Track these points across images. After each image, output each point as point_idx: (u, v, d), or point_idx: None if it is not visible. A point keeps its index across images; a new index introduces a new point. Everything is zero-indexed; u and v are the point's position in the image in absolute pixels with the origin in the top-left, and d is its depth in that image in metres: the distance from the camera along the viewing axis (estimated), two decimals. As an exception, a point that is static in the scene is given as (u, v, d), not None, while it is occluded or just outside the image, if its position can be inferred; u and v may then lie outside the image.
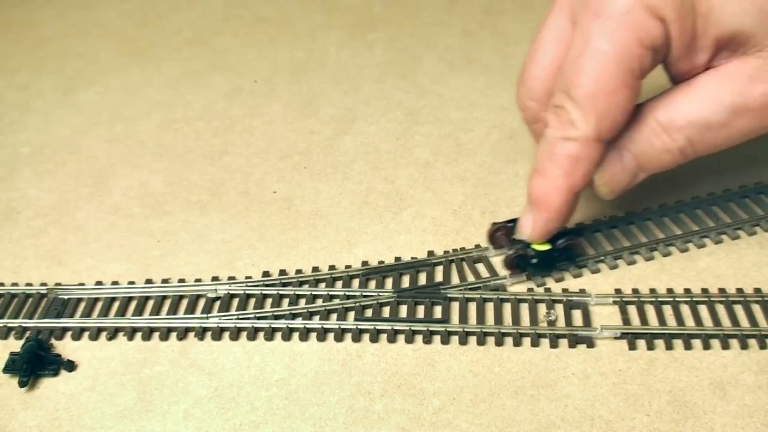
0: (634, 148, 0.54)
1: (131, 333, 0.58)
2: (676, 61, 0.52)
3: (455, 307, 0.60)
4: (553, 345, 0.56)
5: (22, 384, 0.54)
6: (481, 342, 0.57)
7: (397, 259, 0.64)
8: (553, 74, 0.55)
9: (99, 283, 0.63)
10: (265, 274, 0.63)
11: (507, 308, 0.60)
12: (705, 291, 0.60)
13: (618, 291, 0.60)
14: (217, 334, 0.58)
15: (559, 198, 0.55)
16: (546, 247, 0.58)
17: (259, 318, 0.59)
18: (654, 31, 0.49)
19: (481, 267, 0.63)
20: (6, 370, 0.55)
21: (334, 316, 0.59)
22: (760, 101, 0.50)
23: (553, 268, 0.60)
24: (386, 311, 0.60)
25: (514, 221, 0.60)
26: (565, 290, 0.61)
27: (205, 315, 0.59)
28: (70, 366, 0.56)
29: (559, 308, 0.59)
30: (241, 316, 0.59)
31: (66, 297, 0.61)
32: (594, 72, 0.50)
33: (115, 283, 0.63)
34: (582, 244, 0.60)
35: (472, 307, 0.60)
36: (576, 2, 0.53)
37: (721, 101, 0.51)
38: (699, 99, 0.52)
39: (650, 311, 0.59)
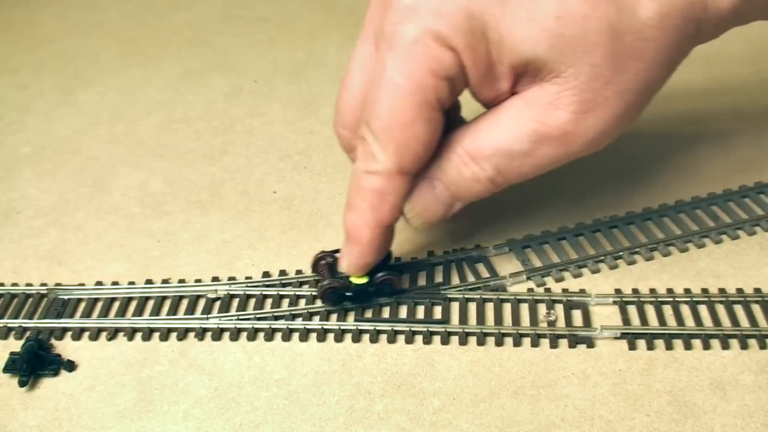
0: (444, 177, 0.53)
1: (131, 333, 0.58)
2: (477, 89, 0.50)
3: (455, 307, 0.60)
4: (553, 345, 0.56)
5: (22, 384, 0.54)
6: (481, 342, 0.57)
7: (397, 259, 0.64)
8: (362, 102, 0.53)
9: (99, 283, 0.63)
10: (265, 274, 0.63)
11: (507, 308, 0.60)
12: (705, 291, 0.60)
13: (618, 291, 0.60)
14: (217, 334, 0.58)
15: (369, 232, 0.53)
16: (363, 280, 0.57)
17: (259, 318, 0.59)
18: (446, 61, 0.47)
19: (481, 267, 0.63)
20: (6, 370, 0.55)
21: (334, 316, 0.59)
22: (560, 129, 0.49)
23: (370, 302, 0.59)
24: (386, 311, 0.60)
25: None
26: (565, 290, 0.61)
27: (205, 315, 0.59)
28: (70, 366, 0.56)
29: (559, 308, 0.59)
30: (241, 317, 0.59)
31: (66, 297, 0.61)
32: (389, 104, 0.49)
33: (115, 283, 0.63)
34: (399, 281, 0.58)
35: (472, 308, 0.60)
36: (376, 29, 0.52)
37: (523, 130, 0.49)
38: (502, 127, 0.50)
39: (650, 311, 0.59)
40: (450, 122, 0.52)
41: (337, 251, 0.58)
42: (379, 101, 0.49)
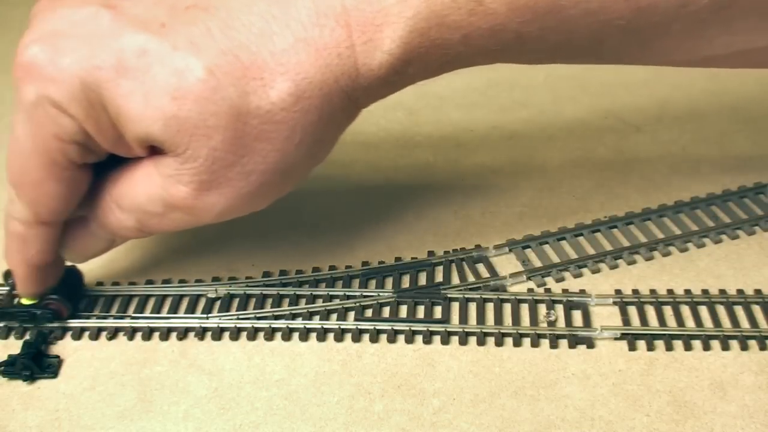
0: (97, 219, 0.52)
1: (131, 333, 0.58)
2: (114, 152, 0.48)
3: (455, 307, 0.60)
4: (553, 345, 0.57)
5: (24, 379, 0.55)
6: (481, 342, 0.57)
7: (398, 259, 0.64)
8: None
9: (99, 283, 0.63)
10: (266, 274, 0.63)
11: (507, 308, 0.60)
12: (705, 292, 0.60)
13: (618, 291, 0.61)
14: (218, 334, 0.58)
15: (21, 269, 0.53)
16: (31, 301, 0.57)
17: (259, 318, 0.59)
18: (67, 128, 0.45)
19: (481, 267, 0.63)
20: (5, 371, 0.55)
21: (334, 316, 0.59)
22: (182, 201, 0.47)
23: (32, 323, 0.58)
24: (386, 311, 0.60)
25: None
26: (565, 290, 0.61)
27: (205, 315, 0.59)
28: (56, 368, 0.56)
29: (559, 308, 0.59)
30: (241, 316, 0.59)
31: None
32: (17, 163, 0.47)
33: (115, 283, 0.63)
34: (67, 308, 0.58)
35: (472, 308, 0.60)
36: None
37: (153, 193, 0.48)
38: (138, 187, 0.49)
39: (650, 312, 0.59)
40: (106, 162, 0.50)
41: None
42: (9, 157, 0.48)
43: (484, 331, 0.57)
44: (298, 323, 0.58)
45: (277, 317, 0.59)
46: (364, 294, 0.61)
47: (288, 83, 0.45)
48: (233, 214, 0.50)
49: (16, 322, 0.58)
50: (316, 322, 0.58)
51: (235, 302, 0.61)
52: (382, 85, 0.49)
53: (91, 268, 0.65)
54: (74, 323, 0.59)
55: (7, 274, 0.58)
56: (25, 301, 0.57)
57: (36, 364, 0.55)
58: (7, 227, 0.52)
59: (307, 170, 0.52)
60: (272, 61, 0.45)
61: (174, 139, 0.45)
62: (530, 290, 0.61)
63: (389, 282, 0.63)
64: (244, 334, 0.58)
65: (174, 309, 0.60)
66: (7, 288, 0.59)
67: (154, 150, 0.47)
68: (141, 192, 0.49)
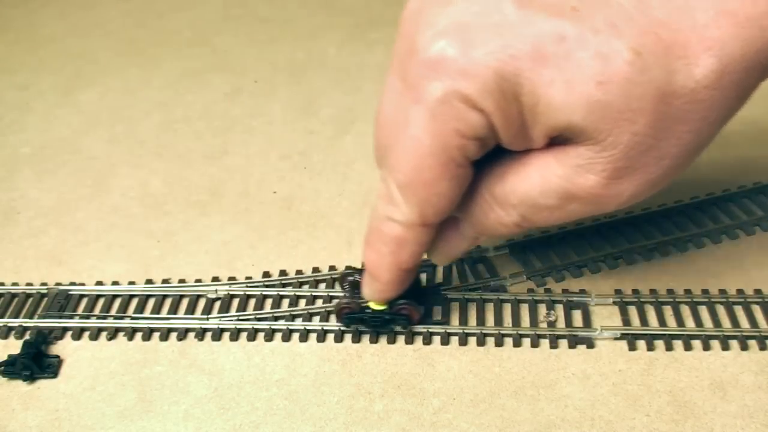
0: (469, 218, 0.51)
1: (131, 333, 0.58)
2: (507, 145, 0.46)
3: (455, 307, 0.60)
4: (553, 345, 0.57)
5: (24, 378, 0.55)
6: (480, 342, 0.57)
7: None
8: None
9: (99, 283, 0.63)
10: (266, 274, 0.63)
11: (507, 309, 0.60)
12: (705, 292, 0.60)
13: (618, 291, 0.60)
14: (217, 334, 0.58)
15: (389, 274, 0.52)
16: (381, 307, 0.56)
17: (259, 319, 0.59)
18: (474, 123, 0.44)
19: (481, 268, 0.63)
20: (5, 371, 0.55)
21: (334, 316, 0.59)
22: (588, 191, 0.46)
23: (384, 328, 0.57)
24: (386, 311, 0.60)
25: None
26: (565, 290, 0.61)
27: (205, 315, 0.59)
28: (56, 368, 0.56)
29: (559, 309, 0.59)
30: (241, 317, 0.59)
31: (69, 293, 0.61)
32: (411, 162, 0.45)
33: (115, 283, 0.63)
34: (418, 312, 0.57)
35: (472, 308, 0.60)
36: (400, 64, 0.47)
37: (551, 186, 0.46)
38: (530, 180, 0.47)
39: (650, 312, 0.59)
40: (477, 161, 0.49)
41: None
42: (400, 156, 0.46)
43: (483, 331, 0.57)
44: (298, 324, 0.58)
45: (276, 318, 0.59)
46: (364, 294, 0.61)
47: (712, 59, 0.42)
48: (632, 201, 0.48)
49: (365, 326, 0.57)
50: (315, 323, 0.58)
51: (235, 303, 0.61)
52: None
53: (91, 268, 0.65)
54: (74, 323, 0.59)
55: (343, 279, 0.57)
56: (374, 306, 0.56)
57: (36, 364, 0.55)
58: (381, 230, 0.50)
59: (701, 153, 0.48)
60: (694, 37, 0.42)
61: (596, 126, 0.43)
62: (530, 290, 0.61)
63: (389, 282, 0.62)
64: (244, 334, 0.58)
65: (174, 309, 0.60)
66: (345, 292, 0.57)
67: (554, 141, 0.46)
68: (533, 185, 0.47)
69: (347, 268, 0.59)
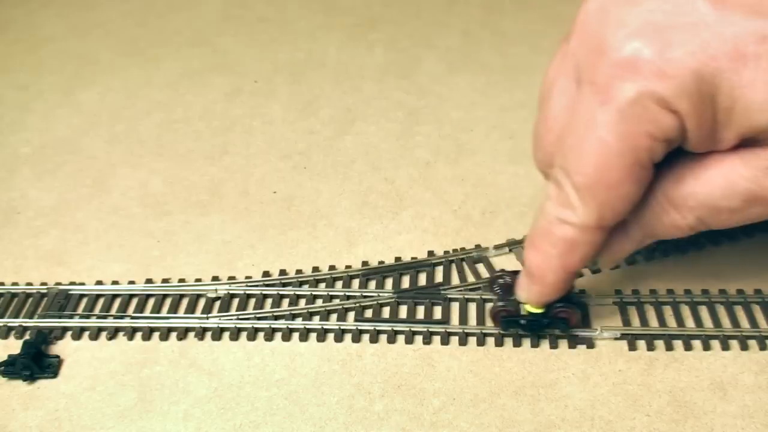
0: (639, 220, 0.50)
1: (131, 333, 0.58)
2: (693, 148, 0.46)
3: (455, 307, 0.60)
4: (553, 345, 0.57)
5: (24, 379, 0.55)
6: (480, 342, 0.57)
7: (397, 259, 0.64)
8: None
9: (99, 282, 0.63)
10: (266, 274, 0.63)
11: (507, 308, 0.60)
12: (705, 292, 0.60)
13: (618, 291, 0.60)
14: (217, 334, 0.58)
15: (554, 276, 0.51)
16: (538, 310, 0.55)
17: (259, 318, 0.59)
18: (666, 125, 0.43)
19: (481, 267, 0.63)
20: (5, 371, 0.55)
21: (334, 316, 0.59)
22: None
23: (541, 332, 0.57)
24: (386, 312, 0.60)
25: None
26: (565, 290, 0.61)
27: (205, 315, 0.59)
28: (56, 368, 0.56)
29: (559, 308, 0.59)
30: (241, 317, 0.59)
31: (69, 293, 0.61)
32: (596, 163, 0.45)
33: (115, 282, 0.63)
34: (577, 316, 0.56)
35: (472, 308, 0.60)
36: (580, 67, 0.46)
37: (735, 188, 0.46)
38: (712, 182, 0.46)
39: (650, 312, 0.59)
40: None
41: (516, 272, 0.56)
42: (583, 157, 0.45)
43: (483, 331, 0.57)
44: (298, 323, 0.58)
45: (277, 317, 0.59)
46: (364, 294, 0.61)
47: None
48: None
49: (522, 330, 0.56)
50: (316, 323, 0.58)
51: (235, 302, 0.61)
52: None
53: (91, 268, 0.65)
54: (74, 323, 0.59)
55: (493, 281, 0.57)
56: (531, 309, 0.55)
57: (36, 364, 0.55)
58: (551, 232, 0.49)
59: None
60: None
61: None
62: (530, 290, 0.61)
63: (389, 282, 0.63)
64: (244, 334, 0.58)
65: (174, 309, 0.60)
66: (497, 295, 0.56)
67: (741, 142, 0.45)
68: (715, 188, 0.46)
69: (498, 271, 0.58)
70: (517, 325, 0.56)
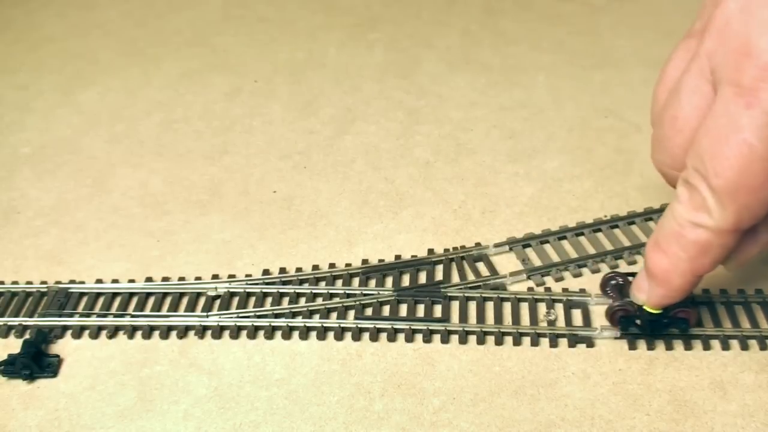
0: None
1: (131, 331, 0.58)
2: None
3: (455, 306, 0.60)
4: (553, 345, 0.57)
5: (24, 377, 0.55)
6: (481, 341, 0.57)
7: (398, 257, 0.64)
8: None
9: (99, 281, 0.63)
10: (266, 272, 0.63)
11: (507, 307, 0.60)
12: (705, 292, 0.60)
13: (618, 290, 0.60)
14: (217, 332, 0.58)
15: (681, 280, 0.50)
16: (656, 311, 0.54)
17: (259, 316, 0.59)
18: None
19: (481, 266, 0.63)
20: (5, 371, 0.55)
21: (334, 314, 0.59)
22: None
23: (659, 333, 0.56)
24: (386, 310, 0.60)
25: (632, 275, 0.56)
26: (565, 290, 0.61)
27: (205, 313, 0.59)
28: (56, 367, 0.56)
29: (559, 308, 0.59)
30: (241, 315, 0.59)
31: (68, 291, 0.61)
32: (738, 166, 0.44)
33: (115, 281, 0.63)
34: (696, 316, 0.56)
35: (472, 306, 0.60)
36: (719, 68, 0.46)
37: None
38: None
39: (650, 311, 0.59)
40: None
41: (629, 274, 0.56)
42: (725, 160, 0.45)
43: (484, 330, 0.57)
44: (298, 322, 0.58)
45: (277, 316, 0.59)
46: (364, 292, 0.61)
47: None
48: None
49: (640, 331, 0.56)
50: (316, 321, 0.58)
51: (235, 300, 0.61)
52: None
53: (91, 268, 0.65)
54: (74, 322, 0.59)
55: (605, 283, 0.57)
56: (649, 309, 0.54)
57: (36, 363, 0.55)
58: (682, 236, 0.48)
59: None
60: None
61: None
62: (530, 289, 0.61)
63: (389, 280, 0.63)
64: (244, 332, 0.58)
65: (174, 307, 0.60)
66: (610, 296, 0.57)
67: None
68: None
69: (608, 273, 0.58)
70: (633, 325, 0.56)
